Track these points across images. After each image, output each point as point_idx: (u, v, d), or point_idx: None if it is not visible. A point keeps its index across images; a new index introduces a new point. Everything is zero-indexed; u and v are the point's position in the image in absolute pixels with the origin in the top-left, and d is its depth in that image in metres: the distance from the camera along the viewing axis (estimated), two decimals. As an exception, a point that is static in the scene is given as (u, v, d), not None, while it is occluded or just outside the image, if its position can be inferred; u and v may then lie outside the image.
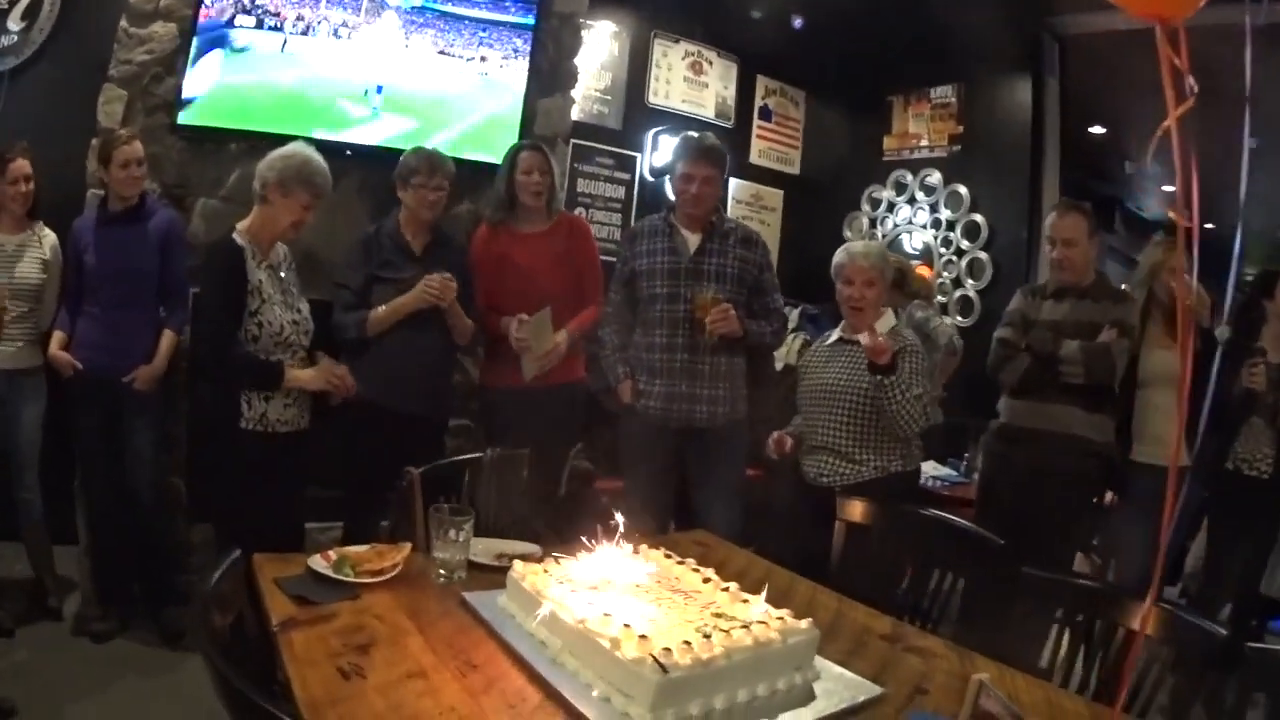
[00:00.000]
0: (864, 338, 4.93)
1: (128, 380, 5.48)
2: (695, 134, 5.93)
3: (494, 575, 3.18)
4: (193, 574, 5.97)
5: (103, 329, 5.53)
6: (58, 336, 5.60)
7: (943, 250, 9.65)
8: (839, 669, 2.69)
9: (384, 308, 5.37)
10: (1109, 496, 6.18)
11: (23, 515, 5.75)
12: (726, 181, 5.80)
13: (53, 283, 5.72)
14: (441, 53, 6.87)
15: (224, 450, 4.88)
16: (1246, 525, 5.87)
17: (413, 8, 6.73)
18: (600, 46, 9.09)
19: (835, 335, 5.53)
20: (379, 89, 6.72)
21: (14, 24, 6.62)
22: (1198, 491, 6.20)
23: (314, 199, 4.97)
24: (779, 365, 8.36)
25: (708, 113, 10.14)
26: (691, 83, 10.01)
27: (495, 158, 6.50)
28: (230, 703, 2.05)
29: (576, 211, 8.15)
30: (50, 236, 5.75)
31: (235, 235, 4.91)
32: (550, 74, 7.46)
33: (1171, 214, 1.74)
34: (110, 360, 5.49)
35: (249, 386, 4.84)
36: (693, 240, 5.57)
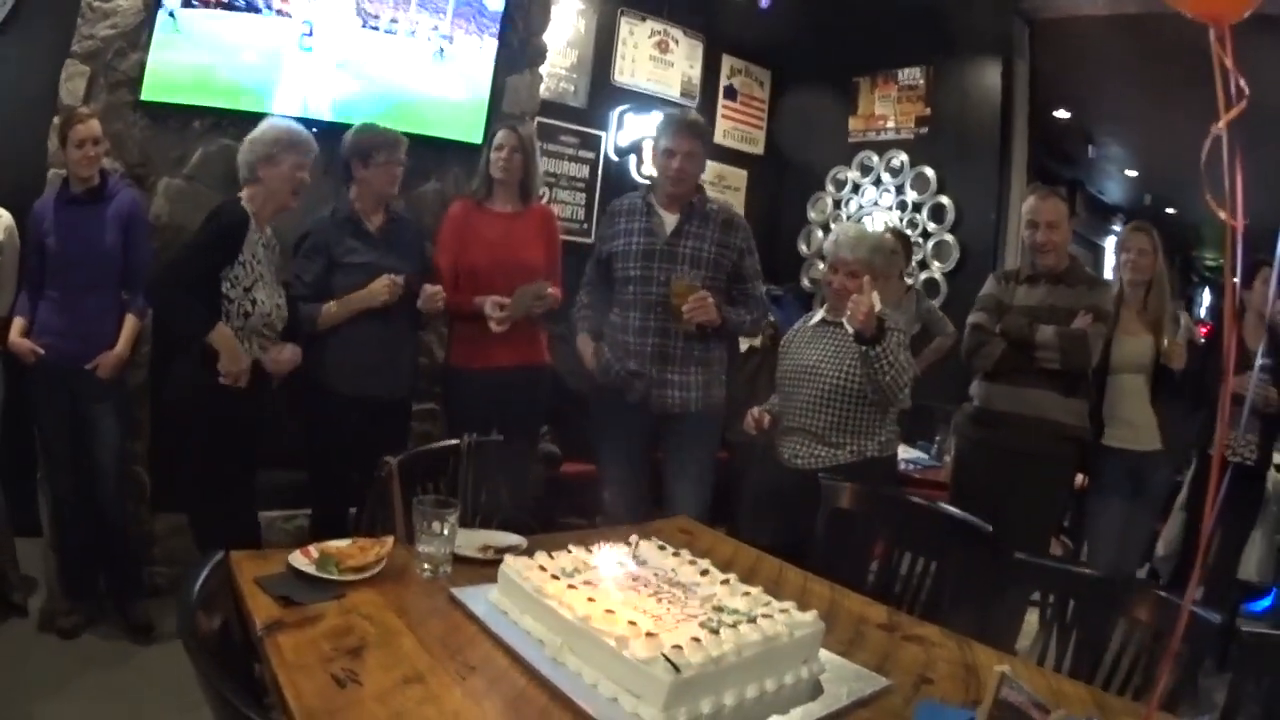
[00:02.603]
0: (851, 302, 4.86)
1: (91, 367, 5.37)
2: (678, 110, 5.92)
3: (480, 569, 3.14)
4: (159, 565, 6.00)
5: (64, 314, 5.41)
6: (18, 323, 5.49)
7: (909, 232, 9.53)
8: (843, 660, 2.67)
9: (335, 304, 5.33)
10: (1080, 480, 6.24)
11: (-19, 508, 5.64)
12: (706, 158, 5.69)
13: (8, 265, 5.62)
14: (409, 31, 6.82)
15: (200, 416, 4.89)
16: (1226, 510, 5.85)
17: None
18: (566, 23, 9.03)
19: (818, 316, 5.50)
20: (309, 30, 6.59)
21: (-25, 0, 6.53)
22: (1169, 476, 6.28)
23: (304, 157, 5.04)
24: (744, 347, 8.37)
25: (673, 92, 10.11)
26: (658, 61, 9.99)
27: (463, 136, 6.66)
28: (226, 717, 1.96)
29: (540, 191, 8.17)
30: (4, 217, 5.63)
31: (244, 201, 4.95)
32: (519, 50, 7.44)
33: (1222, 214, 1.70)
34: (72, 346, 5.38)
35: (178, 326, 4.97)
36: (670, 221, 5.48)
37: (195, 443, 5.02)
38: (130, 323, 5.50)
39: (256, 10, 6.29)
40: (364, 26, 6.70)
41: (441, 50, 6.96)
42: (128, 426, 5.73)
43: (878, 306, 4.85)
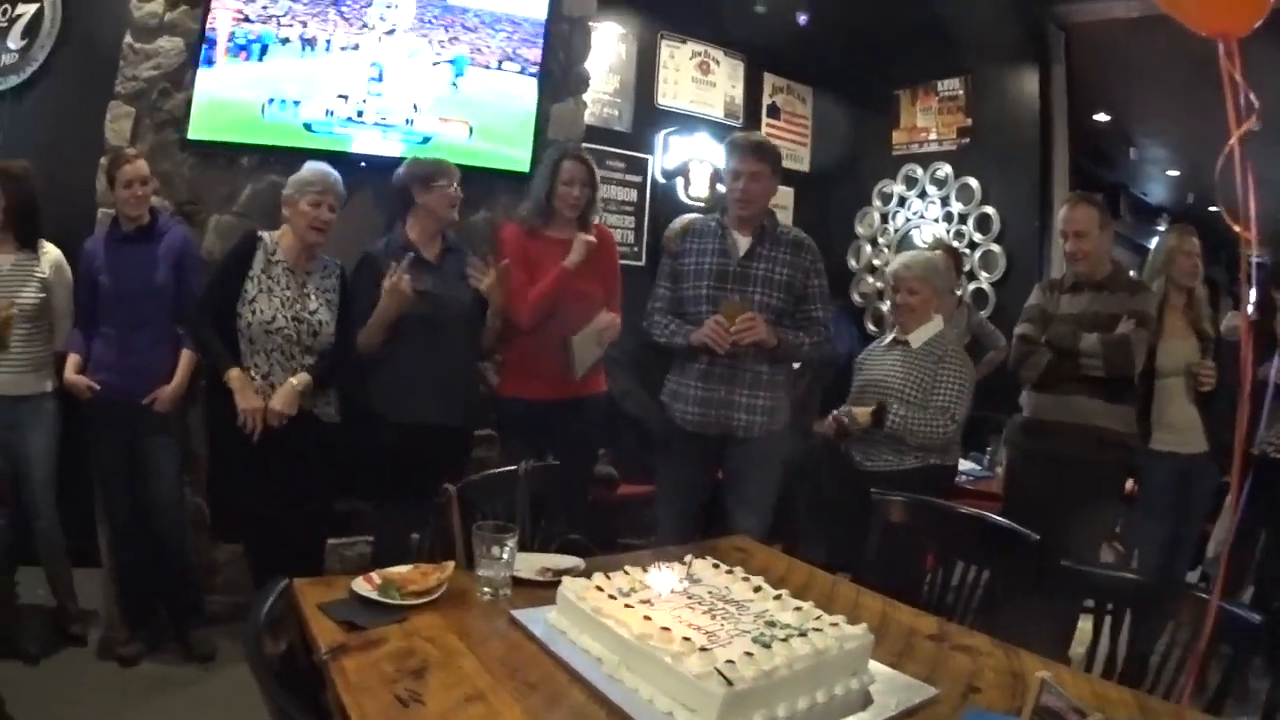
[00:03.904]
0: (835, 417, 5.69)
1: (148, 402, 5.45)
2: (743, 132, 5.99)
3: (539, 591, 3.18)
4: (219, 594, 6.03)
5: (119, 350, 5.49)
6: (72, 360, 5.57)
7: (955, 243, 9.53)
8: (892, 671, 2.70)
9: (365, 329, 5.37)
10: (1130, 485, 6.23)
11: (41, 543, 5.72)
12: (778, 180, 5.65)
13: (58, 302, 5.68)
14: (452, 62, 6.85)
15: (240, 445, 4.98)
16: (1271, 509, 5.85)
17: (421, 18, 6.70)
18: (608, 49, 9.05)
19: (890, 337, 5.93)
20: (425, 140, 6.74)
21: (13, 42, 6.61)
22: (1216, 477, 6.21)
23: (318, 195, 5.18)
24: (795, 364, 8.40)
25: (717, 112, 10.12)
26: (700, 83, 9.99)
27: (510, 165, 6.68)
28: None
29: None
30: (52, 254, 5.70)
31: (262, 232, 5.18)
32: (561, 79, 7.46)
33: (1236, 228, 1.74)
34: (128, 382, 5.46)
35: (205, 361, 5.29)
36: (743, 243, 5.48)
37: (241, 474, 5.13)
38: (186, 357, 5.57)
39: (308, 46, 6.38)
40: (432, 63, 6.81)
41: (497, 82, 7.01)
42: (185, 458, 5.78)
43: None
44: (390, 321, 5.32)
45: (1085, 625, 3.52)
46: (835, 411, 5.76)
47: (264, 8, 6.21)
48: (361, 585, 3.10)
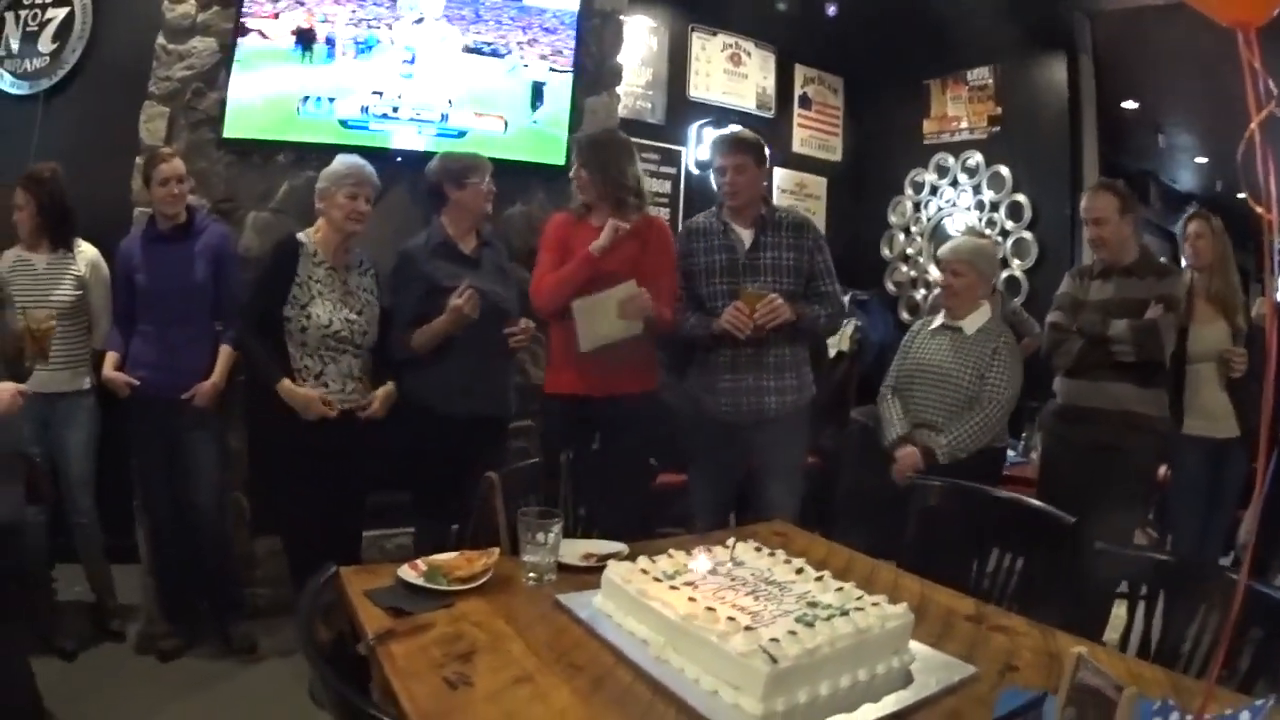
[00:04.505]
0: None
1: (187, 397, 5.49)
2: (723, 131, 6.00)
3: (584, 576, 3.22)
4: (259, 587, 6.09)
5: (158, 347, 5.55)
6: (111, 357, 5.62)
7: (987, 231, 9.53)
8: (932, 650, 2.72)
9: (422, 333, 5.37)
10: (1163, 470, 6.26)
11: (79, 539, 5.79)
12: (771, 170, 5.67)
13: (96, 299, 5.77)
14: (492, 52, 6.93)
15: (279, 447, 5.06)
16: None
17: (455, 14, 6.75)
18: (639, 42, 9.10)
19: (939, 320, 5.89)
20: (460, 135, 6.81)
21: (44, 46, 6.77)
22: (1248, 462, 6.21)
23: (354, 187, 5.21)
24: (832, 352, 8.42)
25: (748, 104, 10.16)
26: (731, 74, 10.03)
27: (544, 158, 6.74)
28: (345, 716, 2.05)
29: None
30: (89, 253, 5.79)
31: (301, 233, 5.20)
32: (595, 73, 7.50)
33: (1259, 209, 1.77)
34: (167, 378, 5.50)
35: (256, 375, 5.29)
36: (746, 236, 5.57)
37: (284, 470, 5.19)
38: (225, 353, 5.62)
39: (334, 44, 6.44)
40: (467, 50, 6.87)
41: (530, 76, 7.07)
42: (224, 453, 5.85)
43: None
44: (447, 335, 5.34)
45: (1119, 611, 3.54)
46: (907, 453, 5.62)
47: (299, 4, 6.27)
48: (407, 572, 3.12)
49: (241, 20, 6.14)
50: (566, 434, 5.34)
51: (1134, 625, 3.34)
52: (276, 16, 6.25)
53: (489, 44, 6.94)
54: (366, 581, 3.11)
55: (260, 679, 5.42)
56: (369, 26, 6.54)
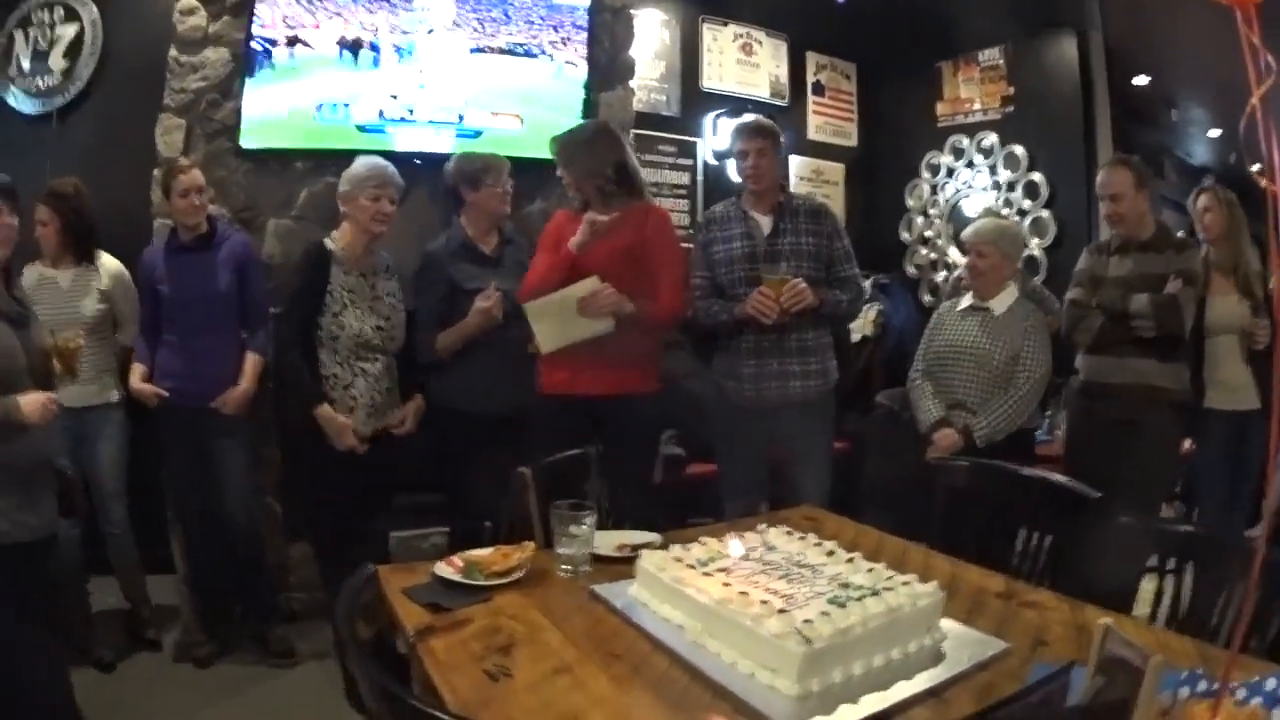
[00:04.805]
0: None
1: (216, 405, 5.53)
2: (742, 118, 6.03)
3: (618, 567, 3.24)
4: (295, 592, 6.14)
5: (185, 356, 5.59)
6: (138, 369, 5.67)
7: (1005, 211, 9.51)
8: (963, 628, 2.75)
9: (447, 335, 5.42)
10: (1187, 445, 6.30)
11: (112, 550, 5.83)
12: (786, 159, 5.69)
13: (123, 306, 5.82)
14: (525, 52, 7.00)
15: (310, 463, 5.07)
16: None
17: (466, 12, 6.82)
18: (652, 35, 9.13)
19: (966, 302, 5.89)
20: (477, 135, 6.86)
21: (56, 63, 6.82)
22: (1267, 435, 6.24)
23: (379, 190, 5.22)
24: (855, 337, 8.45)
25: (762, 92, 10.15)
26: (744, 64, 10.03)
27: None
28: (392, 712, 2.06)
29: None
30: (111, 265, 5.81)
31: (327, 240, 5.19)
32: (608, 67, 7.54)
33: (1263, 183, 1.80)
34: (195, 387, 5.54)
35: (291, 394, 5.25)
36: (765, 222, 5.62)
37: (312, 476, 5.24)
38: (252, 360, 5.65)
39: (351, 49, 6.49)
40: (474, 50, 6.91)
41: (545, 74, 7.12)
42: (255, 460, 5.87)
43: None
44: (473, 336, 5.38)
45: (1148, 585, 3.56)
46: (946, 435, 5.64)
47: (310, 11, 6.31)
48: (444, 569, 3.16)
49: (252, 28, 6.19)
50: (559, 435, 5.05)
51: (1162, 599, 3.36)
52: (318, 26, 6.35)
53: (521, 44, 7.00)
54: (404, 580, 3.14)
55: (297, 683, 5.46)
56: (402, 33, 6.63)
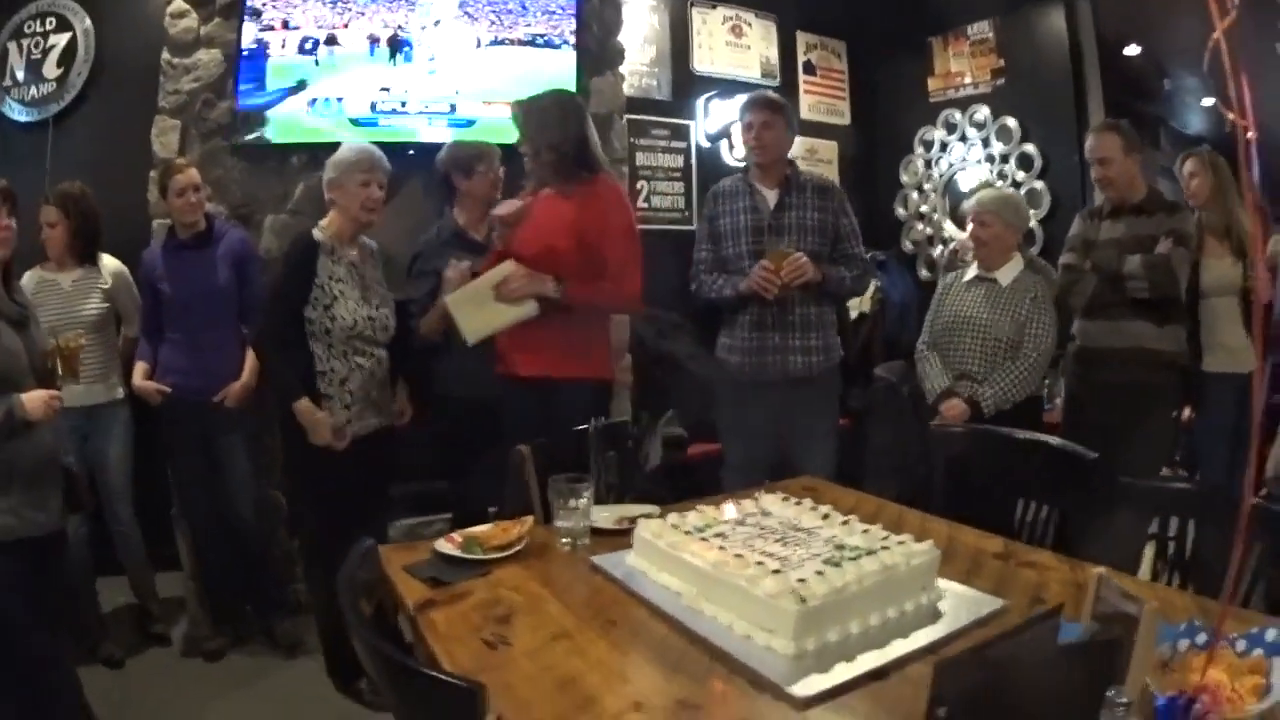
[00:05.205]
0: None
1: (219, 400, 5.59)
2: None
3: (618, 539, 3.26)
4: (301, 583, 6.15)
5: (187, 353, 5.67)
6: (140, 367, 5.76)
7: (1000, 183, 9.51)
8: (961, 587, 2.78)
9: (427, 317, 5.40)
10: (1187, 412, 6.35)
11: (120, 547, 5.86)
12: (793, 136, 5.68)
13: (127, 302, 5.90)
14: (494, 42, 7.04)
15: (307, 458, 5.03)
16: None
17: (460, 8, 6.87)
18: (641, 20, 9.11)
19: (972, 272, 5.94)
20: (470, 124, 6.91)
21: (50, 72, 6.81)
22: (1271, 395, 6.26)
23: (368, 175, 5.10)
24: (854, 314, 8.47)
25: (753, 74, 10.10)
26: (734, 46, 10.01)
27: None
28: (393, 678, 2.14)
29: (639, 185, 8.27)
30: (111, 264, 5.86)
31: (315, 230, 5.08)
32: (598, 53, 7.59)
33: (1231, 115, 1.81)
34: (198, 382, 5.62)
35: (273, 388, 5.21)
36: (771, 196, 5.67)
37: (308, 474, 5.16)
38: (253, 354, 5.68)
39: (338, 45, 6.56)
40: (477, 46, 6.98)
41: (536, 62, 7.15)
42: (259, 453, 5.93)
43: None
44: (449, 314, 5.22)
45: (1151, 552, 3.57)
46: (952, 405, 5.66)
47: (294, 7, 6.41)
48: (444, 545, 3.20)
49: (243, 27, 6.28)
50: (512, 418, 5.09)
51: (1167, 559, 3.37)
52: (347, 26, 6.51)
53: (542, 35, 7.11)
54: (405, 558, 3.17)
55: (305, 674, 5.48)
56: (399, 27, 6.72)
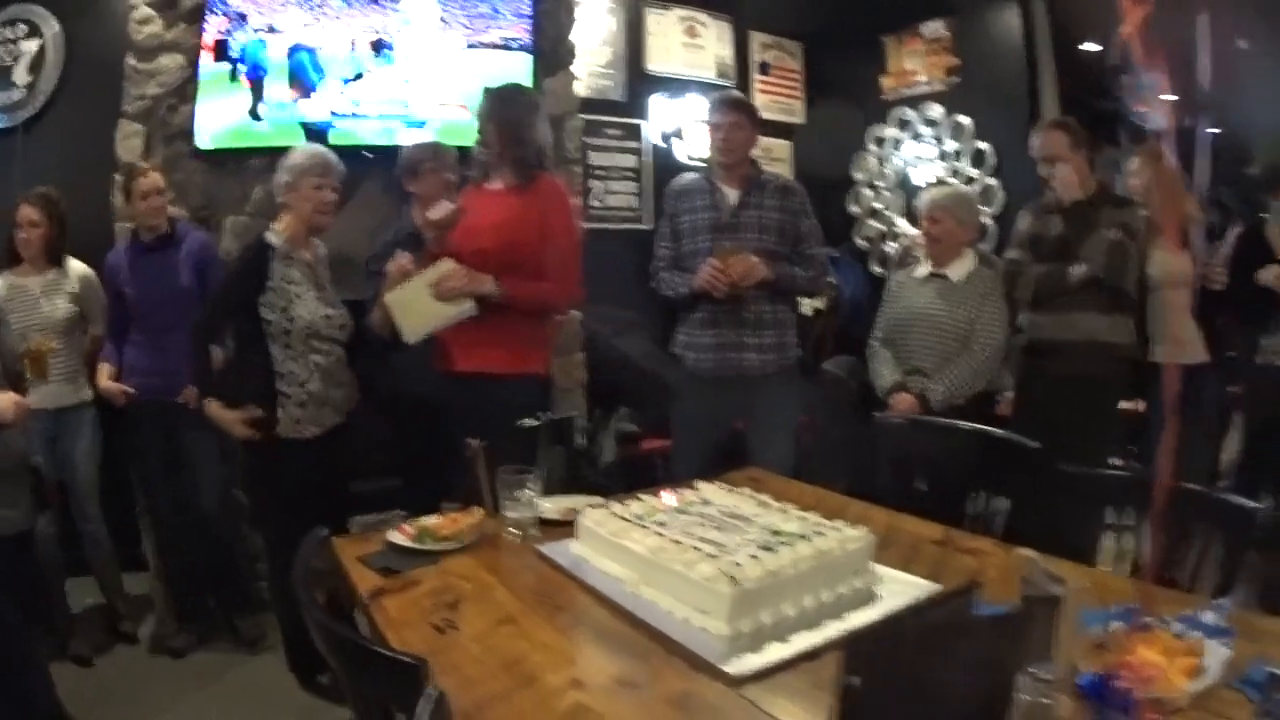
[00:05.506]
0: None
1: (182, 400, 5.60)
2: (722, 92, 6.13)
3: (565, 529, 3.30)
4: (263, 580, 6.17)
5: (151, 354, 5.73)
6: (106, 369, 5.80)
7: (952, 180, 9.52)
8: (896, 572, 2.85)
9: (377, 309, 5.17)
10: (1141, 406, 6.39)
11: (89, 547, 5.91)
12: (757, 136, 5.73)
13: (93, 304, 5.93)
14: (520, 47, 7.21)
15: (265, 457, 5.06)
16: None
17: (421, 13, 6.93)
18: (598, 22, 9.15)
19: (924, 270, 5.99)
20: (405, 106, 6.97)
21: (20, 78, 6.82)
22: (1220, 387, 6.34)
23: (321, 178, 5.11)
24: (808, 311, 8.53)
25: (709, 74, 10.15)
26: (689, 46, 10.04)
27: None
28: (345, 657, 2.21)
29: (590, 184, 8.32)
30: (78, 267, 5.91)
31: (268, 233, 5.05)
32: (552, 53, 7.64)
33: (1145, 108, 1.89)
34: (162, 382, 5.65)
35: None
36: (733, 195, 5.72)
37: (265, 473, 5.16)
38: (216, 354, 5.58)
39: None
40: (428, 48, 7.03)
41: (489, 65, 7.18)
42: (222, 452, 5.90)
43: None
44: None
45: (1109, 546, 3.62)
46: (902, 398, 5.75)
47: (259, 12, 6.50)
48: (397, 536, 3.29)
49: (203, 34, 6.35)
50: (449, 413, 5.11)
51: (1121, 549, 3.43)
52: (307, 26, 6.61)
53: (500, 39, 7.22)
54: (359, 549, 3.26)
55: (269, 668, 5.53)
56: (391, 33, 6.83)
